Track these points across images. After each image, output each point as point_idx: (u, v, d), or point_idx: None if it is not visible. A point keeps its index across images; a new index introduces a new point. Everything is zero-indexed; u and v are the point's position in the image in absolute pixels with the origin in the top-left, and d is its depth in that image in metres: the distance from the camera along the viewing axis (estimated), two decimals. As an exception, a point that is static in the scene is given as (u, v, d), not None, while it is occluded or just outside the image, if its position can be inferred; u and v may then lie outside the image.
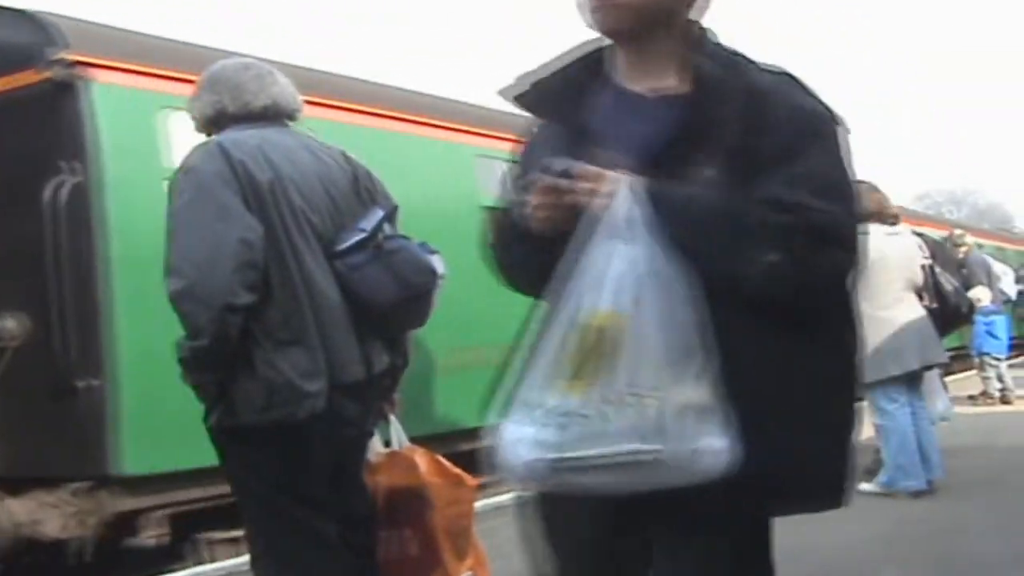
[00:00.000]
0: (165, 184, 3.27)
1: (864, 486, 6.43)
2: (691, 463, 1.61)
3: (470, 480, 3.55)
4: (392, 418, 3.42)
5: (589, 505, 1.80)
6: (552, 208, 1.75)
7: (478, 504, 6.66)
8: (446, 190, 7.25)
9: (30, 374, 5.21)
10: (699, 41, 1.90)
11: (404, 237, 3.20)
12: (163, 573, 5.49)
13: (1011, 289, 12.81)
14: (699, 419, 1.62)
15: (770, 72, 1.88)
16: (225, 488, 3.64)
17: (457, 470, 3.55)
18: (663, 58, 1.88)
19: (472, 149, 7.64)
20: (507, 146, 2.26)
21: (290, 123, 3.22)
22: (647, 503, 1.67)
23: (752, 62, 1.88)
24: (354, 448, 3.20)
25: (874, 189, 6.69)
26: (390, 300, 3.05)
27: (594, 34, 1.92)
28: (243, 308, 2.78)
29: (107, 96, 5.40)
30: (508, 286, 2.08)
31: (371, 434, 3.30)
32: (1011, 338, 13.20)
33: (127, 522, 5.40)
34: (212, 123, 3.13)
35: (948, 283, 6.68)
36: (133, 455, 5.17)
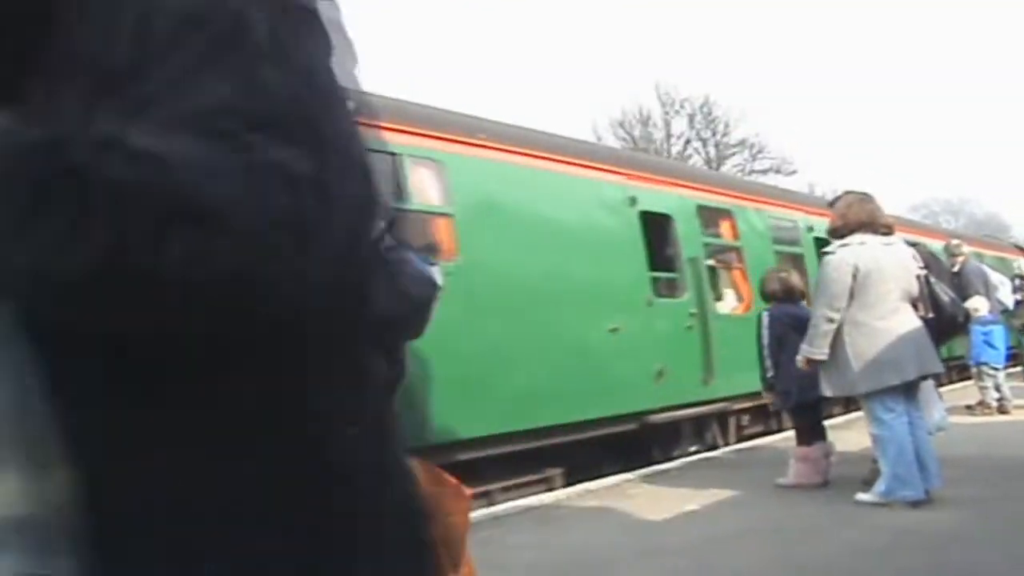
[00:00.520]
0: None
1: (861, 496, 6.42)
2: None
3: (467, 490, 3.53)
4: None
5: None
6: None
7: (474, 514, 6.64)
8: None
9: None
10: None
11: (405, 248, 3.17)
12: None
13: (1008, 299, 12.77)
14: None
15: None
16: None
17: (454, 480, 3.52)
18: None
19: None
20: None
21: None
22: None
23: None
24: None
25: (867, 199, 6.69)
26: (390, 311, 3.03)
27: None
28: None
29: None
30: None
31: None
32: (1008, 348, 13.15)
33: None
34: None
35: (944, 293, 6.68)
36: None
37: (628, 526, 6.28)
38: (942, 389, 9.69)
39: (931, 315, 6.52)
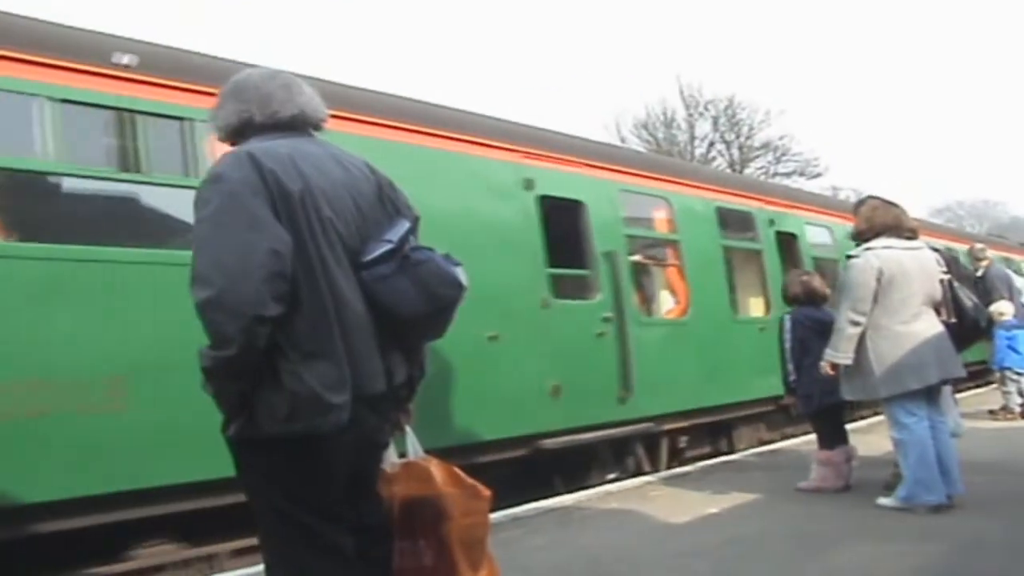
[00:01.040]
0: None
1: (883, 501, 6.42)
2: None
3: (485, 491, 3.55)
4: (407, 429, 3.43)
5: None
6: None
7: (495, 515, 6.70)
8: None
9: None
10: None
11: (428, 248, 3.20)
12: None
13: (1033, 303, 12.68)
14: None
15: None
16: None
17: (473, 481, 3.55)
18: None
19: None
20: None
21: (315, 133, 3.25)
22: None
23: None
24: (371, 459, 3.20)
25: (891, 204, 6.68)
26: (416, 311, 3.04)
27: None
28: (272, 319, 2.77)
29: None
30: None
31: (387, 445, 3.30)
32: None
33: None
34: (237, 133, 3.16)
35: (967, 298, 6.65)
36: None
37: (649, 528, 6.30)
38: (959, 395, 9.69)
39: (954, 320, 6.50)
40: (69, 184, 5.86)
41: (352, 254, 2.99)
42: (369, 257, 3.00)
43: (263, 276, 2.74)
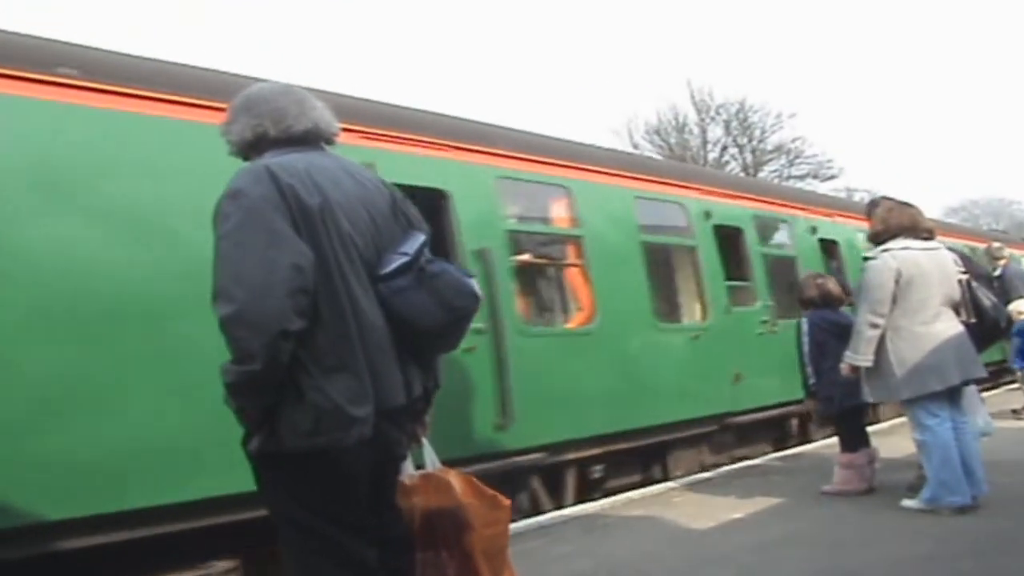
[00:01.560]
0: None
1: (907, 502, 6.39)
2: None
3: (505, 501, 3.57)
4: (424, 440, 3.44)
5: None
6: None
7: (519, 524, 6.71)
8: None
9: None
10: None
11: (444, 260, 3.24)
12: None
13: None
14: None
15: None
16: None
17: (492, 491, 3.56)
18: None
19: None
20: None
21: (327, 147, 3.27)
22: None
23: None
24: (390, 471, 3.22)
25: (906, 204, 6.67)
26: (435, 323, 3.07)
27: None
28: (295, 334, 2.79)
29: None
30: None
31: (405, 457, 3.32)
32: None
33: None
34: (252, 147, 3.17)
35: (986, 298, 6.64)
36: None
37: (673, 535, 6.29)
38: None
39: (973, 320, 6.49)
40: None
41: (369, 267, 3.01)
42: (386, 270, 3.03)
43: (286, 291, 2.75)
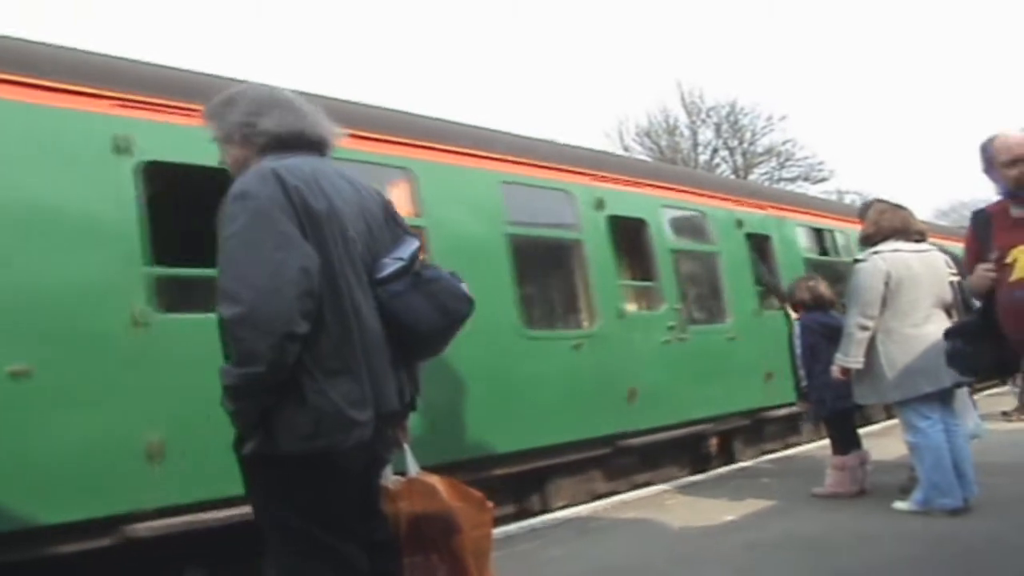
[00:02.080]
0: None
1: (899, 504, 6.40)
2: None
3: (488, 502, 3.59)
4: (405, 446, 3.46)
5: None
6: None
7: (510, 527, 6.71)
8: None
9: None
10: None
11: (434, 266, 3.26)
12: None
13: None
14: None
15: None
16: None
17: (478, 493, 3.58)
18: None
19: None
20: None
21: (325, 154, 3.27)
22: None
23: None
24: (376, 475, 3.24)
25: (898, 206, 6.68)
26: (432, 327, 3.11)
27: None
28: (301, 336, 2.79)
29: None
30: None
31: (389, 461, 3.34)
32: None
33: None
34: (283, 143, 3.14)
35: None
36: None
37: (666, 537, 6.29)
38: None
39: (965, 322, 6.49)
40: None
41: (367, 272, 3.03)
42: (383, 274, 3.05)
43: (294, 293, 2.76)
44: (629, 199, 9.32)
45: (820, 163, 39.07)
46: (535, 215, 8.53)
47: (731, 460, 10.10)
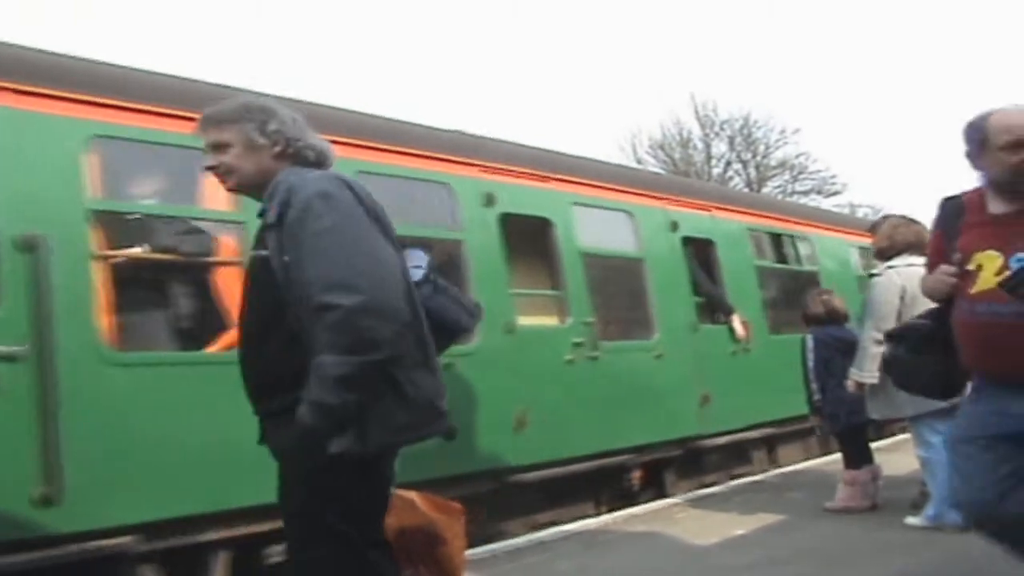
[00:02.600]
0: None
1: (911, 520, 6.37)
2: None
3: (457, 506, 3.64)
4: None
5: None
6: None
7: (519, 540, 6.70)
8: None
9: None
10: None
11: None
12: None
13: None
14: None
15: None
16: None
17: (455, 504, 3.61)
18: None
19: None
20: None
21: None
22: None
23: None
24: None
25: (912, 221, 6.67)
26: (466, 326, 3.40)
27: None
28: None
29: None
30: None
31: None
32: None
33: None
34: (308, 162, 3.19)
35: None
36: None
37: (675, 550, 6.27)
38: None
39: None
40: None
41: None
42: (415, 279, 3.18)
43: (400, 285, 2.91)
44: (529, 195, 7.96)
45: (833, 176, 38.95)
46: (404, 211, 6.44)
47: (662, 494, 8.80)
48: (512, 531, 7.34)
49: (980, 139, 3.62)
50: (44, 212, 5.02)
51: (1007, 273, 3.33)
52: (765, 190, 37.06)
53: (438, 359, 3.10)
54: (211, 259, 5.92)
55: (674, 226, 9.51)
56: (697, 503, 8.11)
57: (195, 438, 5.33)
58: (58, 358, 4.87)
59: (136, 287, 5.70)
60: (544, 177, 8.22)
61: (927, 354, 3.86)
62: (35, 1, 40.09)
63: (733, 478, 9.56)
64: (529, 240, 8.15)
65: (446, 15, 53.90)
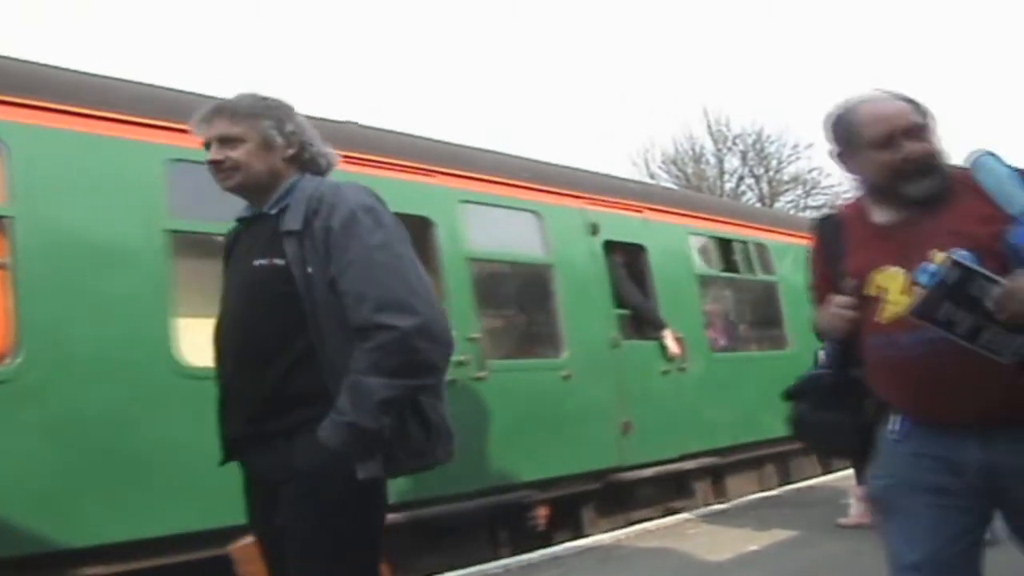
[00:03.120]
0: None
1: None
2: None
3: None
4: None
5: None
6: None
7: (533, 555, 6.68)
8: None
9: None
10: None
11: None
12: None
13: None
14: None
15: None
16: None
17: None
18: None
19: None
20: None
21: None
22: None
23: None
24: None
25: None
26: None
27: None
28: None
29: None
30: None
31: None
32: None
33: None
34: (318, 170, 3.06)
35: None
36: None
37: (689, 566, 6.26)
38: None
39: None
40: None
41: None
42: None
43: (440, 307, 2.84)
44: (404, 191, 6.66)
45: (846, 192, 38.88)
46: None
47: (579, 533, 7.80)
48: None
49: (847, 136, 2.88)
50: None
51: (918, 293, 2.58)
52: (778, 205, 37.04)
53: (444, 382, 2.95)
54: None
55: (594, 228, 8.41)
56: (709, 519, 8.10)
57: None
58: None
59: None
60: (428, 171, 7.21)
61: (834, 410, 3.11)
62: (35, 1, 40.44)
63: (670, 513, 8.51)
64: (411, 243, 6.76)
65: (460, 31, 54.08)
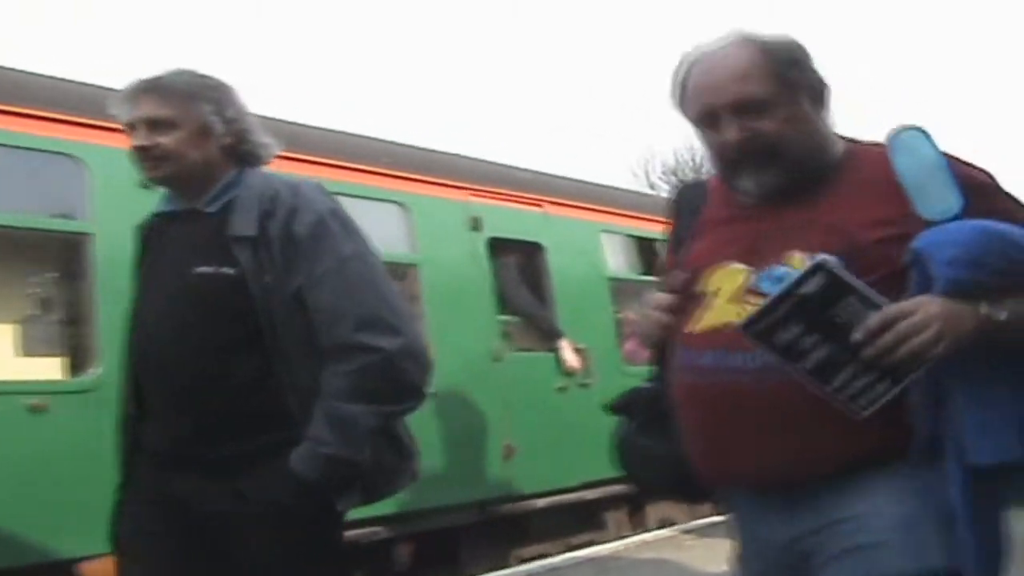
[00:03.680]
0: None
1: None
2: None
3: None
4: None
5: None
6: None
7: (532, 566, 6.66)
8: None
9: None
10: None
11: None
12: None
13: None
14: None
15: None
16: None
17: None
18: None
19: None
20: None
21: None
22: None
23: None
24: None
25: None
26: None
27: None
28: None
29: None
30: None
31: None
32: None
33: None
34: (255, 164, 2.69)
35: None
36: None
37: (687, 579, 6.22)
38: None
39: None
40: None
41: None
42: None
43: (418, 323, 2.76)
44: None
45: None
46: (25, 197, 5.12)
47: (457, 570, 6.76)
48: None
49: (680, 104, 2.07)
50: None
51: (753, 304, 1.83)
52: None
53: None
54: None
55: (475, 224, 7.23)
56: (706, 531, 8.01)
57: None
58: None
59: None
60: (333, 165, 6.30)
61: (653, 435, 2.14)
62: (35, 1, 40.57)
63: (572, 548, 7.29)
64: None
65: (462, 41, 54.24)
